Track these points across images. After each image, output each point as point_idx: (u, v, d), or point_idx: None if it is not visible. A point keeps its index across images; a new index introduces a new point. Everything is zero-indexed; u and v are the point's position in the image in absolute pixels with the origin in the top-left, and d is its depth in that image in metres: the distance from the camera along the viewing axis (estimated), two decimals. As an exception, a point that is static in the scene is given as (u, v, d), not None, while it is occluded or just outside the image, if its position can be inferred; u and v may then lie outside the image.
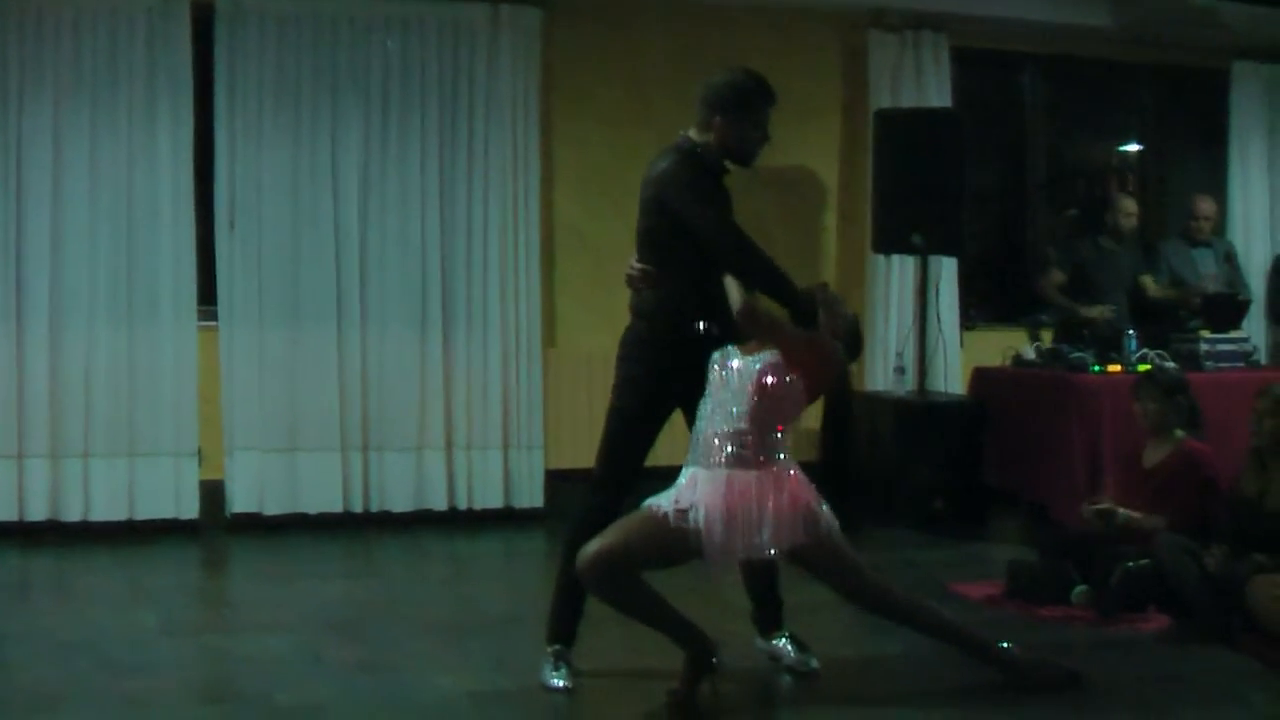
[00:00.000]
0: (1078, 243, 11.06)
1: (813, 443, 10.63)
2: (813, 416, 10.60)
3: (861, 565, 6.01)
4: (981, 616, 7.41)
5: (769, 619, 6.46)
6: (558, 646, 6.19)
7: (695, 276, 5.97)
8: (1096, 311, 10.22)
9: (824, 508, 5.82)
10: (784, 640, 6.42)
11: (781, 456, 5.81)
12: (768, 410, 5.74)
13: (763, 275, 5.91)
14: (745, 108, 6.00)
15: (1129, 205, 10.94)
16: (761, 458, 5.74)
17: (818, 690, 6.23)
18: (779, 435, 5.81)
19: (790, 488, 5.75)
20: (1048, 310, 10.87)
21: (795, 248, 10.29)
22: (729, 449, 5.73)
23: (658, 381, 6.01)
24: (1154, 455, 8.00)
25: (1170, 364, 9.51)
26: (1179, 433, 7.97)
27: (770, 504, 5.70)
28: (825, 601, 6.39)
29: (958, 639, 6.19)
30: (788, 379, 5.74)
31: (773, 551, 5.74)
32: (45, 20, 9.26)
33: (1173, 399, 7.99)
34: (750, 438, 5.72)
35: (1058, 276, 10.79)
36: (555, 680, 6.07)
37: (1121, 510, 7.66)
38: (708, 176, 6.01)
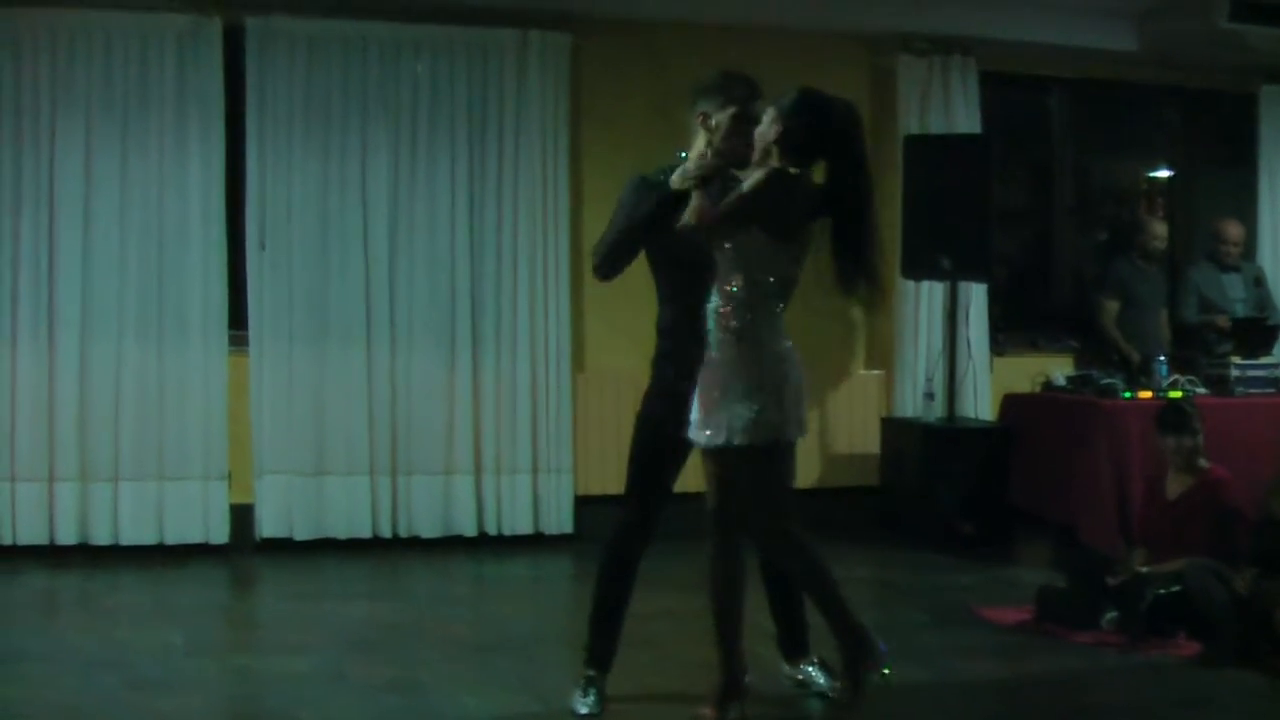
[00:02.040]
0: (1117, 263, 11.07)
1: (870, 470, 10.69)
2: (870, 442, 10.60)
3: (784, 507, 5.77)
4: (1011, 640, 7.40)
5: (795, 644, 6.42)
6: (592, 672, 6.16)
7: (684, 293, 6.00)
8: (1137, 360, 10.20)
9: (761, 419, 5.58)
10: (812, 666, 6.38)
11: (762, 339, 5.63)
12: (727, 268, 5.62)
13: (617, 244, 5.97)
14: (724, 96, 5.99)
15: (1159, 229, 10.96)
16: (737, 338, 5.60)
17: (828, 716, 6.20)
18: (758, 310, 5.62)
19: (736, 377, 5.58)
20: (1097, 340, 10.88)
21: (822, 272, 10.28)
22: (712, 332, 5.66)
23: (671, 397, 6.03)
24: (1176, 485, 7.95)
25: (1201, 389, 9.49)
26: (1202, 462, 7.93)
27: (710, 393, 5.62)
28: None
29: (841, 620, 5.80)
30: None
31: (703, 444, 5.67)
32: (77, 42, 9.31)
33: (1199, 434, 7.94)
34: (723, 316, 5.62)
35: (1112, 306, 10.80)
36: (580, 706, 6.05)
37: (1153, 571, 7.58)
38: (636, 192, 6.02)
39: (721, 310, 5.64)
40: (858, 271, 5.71)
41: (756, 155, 5.75)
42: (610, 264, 6.00)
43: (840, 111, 5.72)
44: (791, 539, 5.81)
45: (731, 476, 5.70)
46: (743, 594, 5.86)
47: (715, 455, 5.69)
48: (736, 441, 5.60)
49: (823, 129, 5.65)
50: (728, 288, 5.63)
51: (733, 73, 6.10)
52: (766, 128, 5.67)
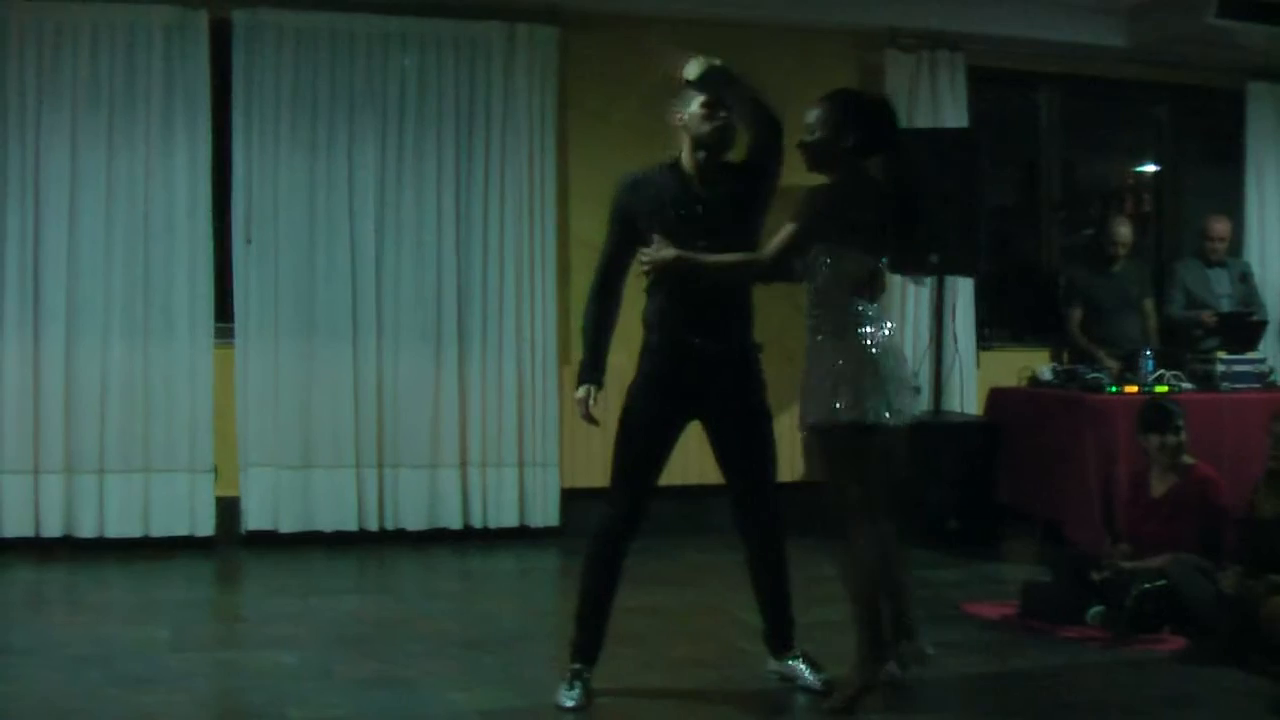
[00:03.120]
0: (1077, 269, 11.04)
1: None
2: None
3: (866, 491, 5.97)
4: (996, 636, 7.41)
5: (781, 639, 6.42)
6: (577, 665, 6.16)
7: (674, 289, 6.09)
8: (1111, 363, 10.18)
9: (838, 404, 5.84)
10: (797, 660, 6.37)
11: (839, 330, 5.95)
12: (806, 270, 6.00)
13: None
14: (692, 93, 6.12)
15: (1122, 232, 10.84)
16: (816, 332, 6.01)
17: (813, 712, 6.13)
18: (834, 304, 5.94)
19: (817, 366, 5.94)
20: (1069, 345, 10.86)
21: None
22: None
23: (654, 388, 6.12)
24: (1161, 483, 7.94)
25: (1186, 384, 9.49)
26: (1187, 459, 7.92)
27: (803, 380, 6.00)
28: (840, 621, 6.37)
29: (868, 628, 6.00)
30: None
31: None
32: (64, 35, 9.29)
33: (1182, 431, 7.92)
34: (810, 311, 6.05)
35: (1077, 313, 10.78)
36: (566, 700, 6.05)
37: (1136, 566, 7.57)
38: (617, 205, 6.23)
39: (809, 306, 6.02)
40: (912, 256, 6.01)
41: (811, 163, 6.04)
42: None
43: (889, 108, 6.22)
44: (858, 525, 5.94)
45: (820, 457, 6.03)
46: (879, 576, 6.04)
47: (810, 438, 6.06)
48: (814, 422, 5.92)
49: (878, 128, 6.01)
50: (810, 287, 6.01)
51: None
52: (828, 135, 5.96)
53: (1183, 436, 7.90)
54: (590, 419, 6.14)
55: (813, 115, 5.98)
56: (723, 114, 6.09)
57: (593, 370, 6.17)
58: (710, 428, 6.24)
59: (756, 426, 6.22)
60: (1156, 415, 8.04)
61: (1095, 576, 7.57)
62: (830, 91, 6.10)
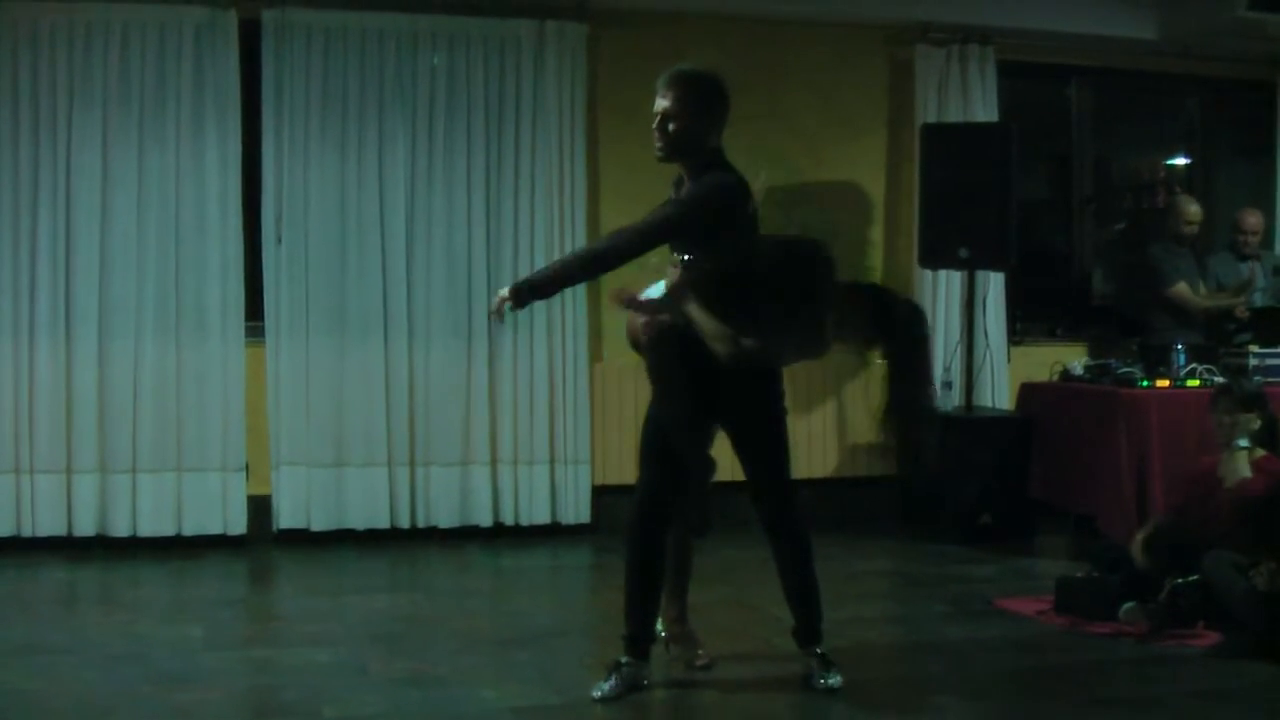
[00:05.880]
0: (1156, 249, 10.84)
1: (889, 460, 10.64)
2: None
3: None
4: (1030, 631, 7.39)
5: (802, 634, 6.36)
6: (622, 659, 6.19)
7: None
8: (1238, 303, 10.16)
9: None
10: (813, 659, 6.32)
11: None
12: None
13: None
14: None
15: (1192, 211, 10.70)
16: None
17: (845, 708, 6.12)
18: None
19: None
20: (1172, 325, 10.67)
21: (841, 261, 10.25)
22: None
23: (673, 370, 6.12)
24: (1232, 474, 7.84)
25: (1219, 378, 9.44)
26: (1259, 451, 7.85)
27: None
28: (873, 617, 6.36)
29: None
30: None
31: None
32: (94, 35, 9.31)
33: (1250, 414, 7.86)
34: None
35: (1184, 285, 10.57)
36: (595, 691, 6.08)
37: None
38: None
39: None
40: None
41: None
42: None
43: None
44: None
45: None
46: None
47: None
48: None
49: None
50: None
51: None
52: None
53: (1239, 418, 7.79)
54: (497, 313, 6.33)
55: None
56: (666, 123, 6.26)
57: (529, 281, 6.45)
58: (725, 426, 6.26)
59: (768, 425, 6.23)
60: (1219, 394, 8.02)
61: (1140, 536, 7.58)
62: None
